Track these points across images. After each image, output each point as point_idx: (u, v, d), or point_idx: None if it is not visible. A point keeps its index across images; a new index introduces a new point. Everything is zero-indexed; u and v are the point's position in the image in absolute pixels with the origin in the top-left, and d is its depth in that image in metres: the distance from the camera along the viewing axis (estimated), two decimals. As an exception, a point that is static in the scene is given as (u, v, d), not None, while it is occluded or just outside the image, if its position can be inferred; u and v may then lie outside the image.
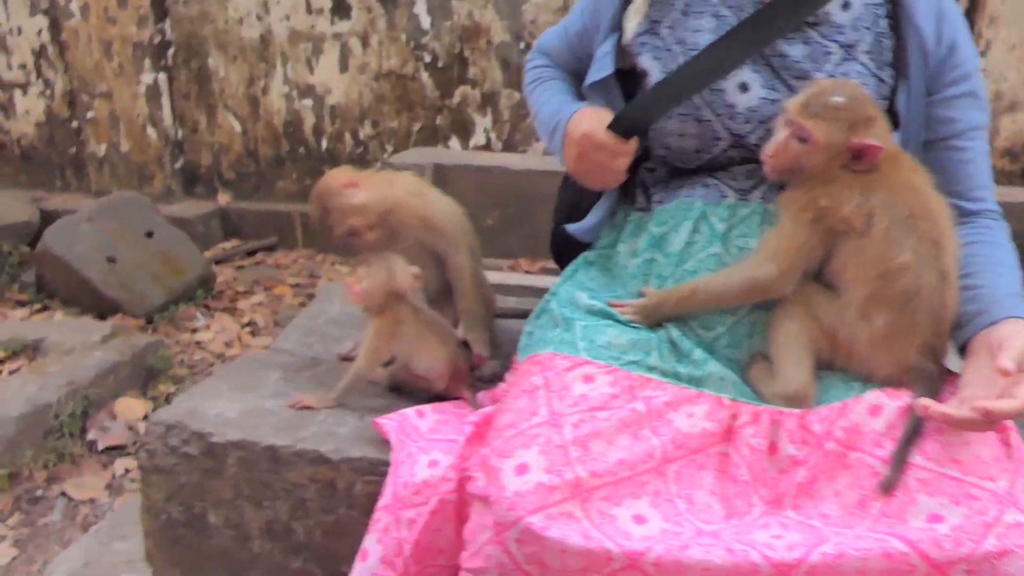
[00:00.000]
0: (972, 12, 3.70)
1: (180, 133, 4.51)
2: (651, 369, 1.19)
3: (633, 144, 1.33)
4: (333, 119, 4.34)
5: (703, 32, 1.34)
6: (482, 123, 4.18)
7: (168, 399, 3.00)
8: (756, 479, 1.13)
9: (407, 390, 1.53)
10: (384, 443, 1.29)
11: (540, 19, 3.97)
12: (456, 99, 4.17)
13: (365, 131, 4.32)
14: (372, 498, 1.24)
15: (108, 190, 4.43)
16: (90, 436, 2.73)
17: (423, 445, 1.26)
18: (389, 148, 4.31)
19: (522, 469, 1.07)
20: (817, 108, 1.21)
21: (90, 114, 4.43)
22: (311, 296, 3.98)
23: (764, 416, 1.17)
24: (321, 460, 1.30)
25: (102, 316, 3.55)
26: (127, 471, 2.66)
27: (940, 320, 1.21)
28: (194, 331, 3.59)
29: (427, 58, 4.14)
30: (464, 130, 4.21)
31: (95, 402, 2.80)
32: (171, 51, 4.37)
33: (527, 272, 2.93)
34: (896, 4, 1.33)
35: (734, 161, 1.37)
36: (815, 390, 1.20)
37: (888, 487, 1.08)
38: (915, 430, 1.10)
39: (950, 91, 1.34)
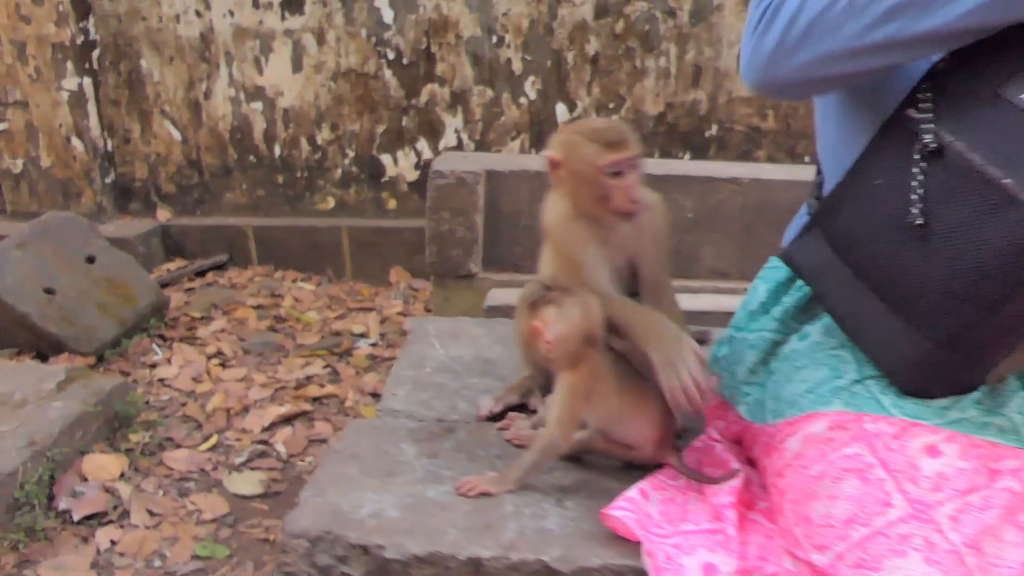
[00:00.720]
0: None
1: (110, 144, 3.93)
2: (983, 427, 0.91)
3: None
4: (286, 123, 3.87)
5: None
6: (452, 123, 3.82)
7: (144, 451, 2.53)
8: None
9: (589, 459, 1.20)
10: (619, 540, 0.96)
11: (513, 11, 3.65)
12: (423, 98, 3.80)
13: (323, 135, 3.88)
14: (616, 617, 0.90)
15: (28, 211, 3.82)
16: (61, 505, 2.23)
17: (679, 542, 0.94)
18: (351, 153, 3.89)
19: None
20: None
21: (2, 125, 3.79)
22: (277, 318, 3.53)
23: None
24: (548, 572, 0.95)
25: (43, 357, 3.01)
26: (113, 543, 2.18)
27: None
28: (152, 366, 3.09)
29: (390, 55, 3.75)
30: (433, 131, 3.84)
31: (60, 463, 2.30)
32: (96, 53, 3.80)
33: None
34: None
35: None
36: None
37: None
38: None
39: None
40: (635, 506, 1.03)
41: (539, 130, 3.80)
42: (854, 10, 0.91)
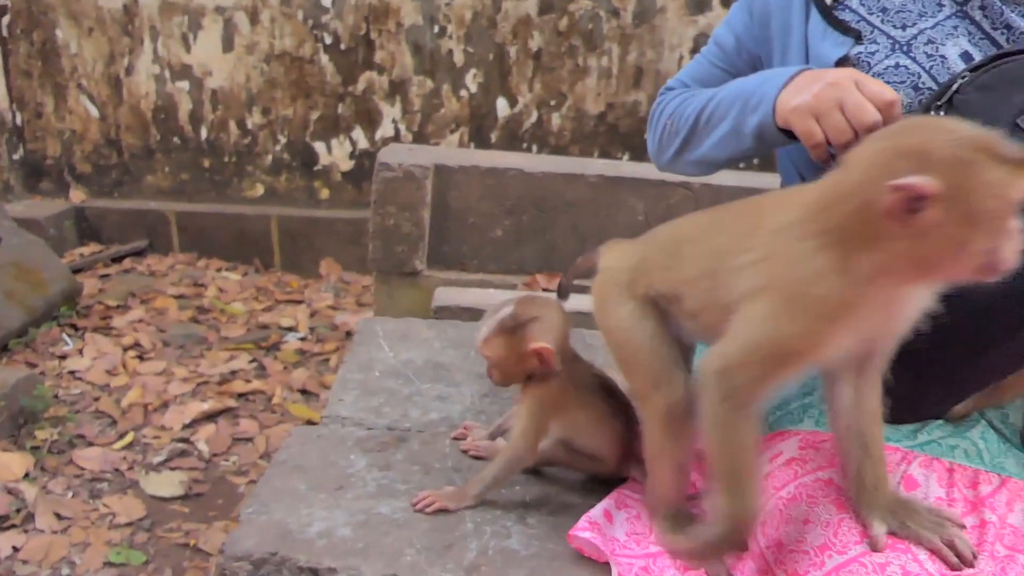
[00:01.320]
0: None
1: (20, 117, 3.67)
2: (951, 449, 0.96)
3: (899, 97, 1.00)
4: (214, 105, 3.69)
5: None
6: (390, 113, 3.71)
7: (52, 449, 2.35)
8: None
9: (551, 471, 1.15)
10: (586, 560, 0.91)
11: (456, 1, 3.57)
12: (361, 86, 3.67)
13: (254, 119, 3.71)
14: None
15: (-75, 186, 3.53)
16: (-42, 509, 2.05)
17: (647, 564, 0.90)
18: (282, 139, 3.74)
19: None
20: None
21: None
22: (200, 309, 3.36)
23: None
24: (517, 596, 0.89)
25: (-62, 345, 2.78)
26: (15, 549, 2.01)
27: None
28: (63, 358, 2.89)
29: (327, 39, 3.61)
30: (370, 120, 3.72)
31: (-43, 462, 2.12)
32: (6, 19, 3.53)
33: (545, 290, 2.54)
34: None
35: None
36: None
37: None
38: None
39: None
40: (599, 530, 0.99)
41: (479, 124, 3.73)
42: (664, 145, 1.27)
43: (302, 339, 3.14)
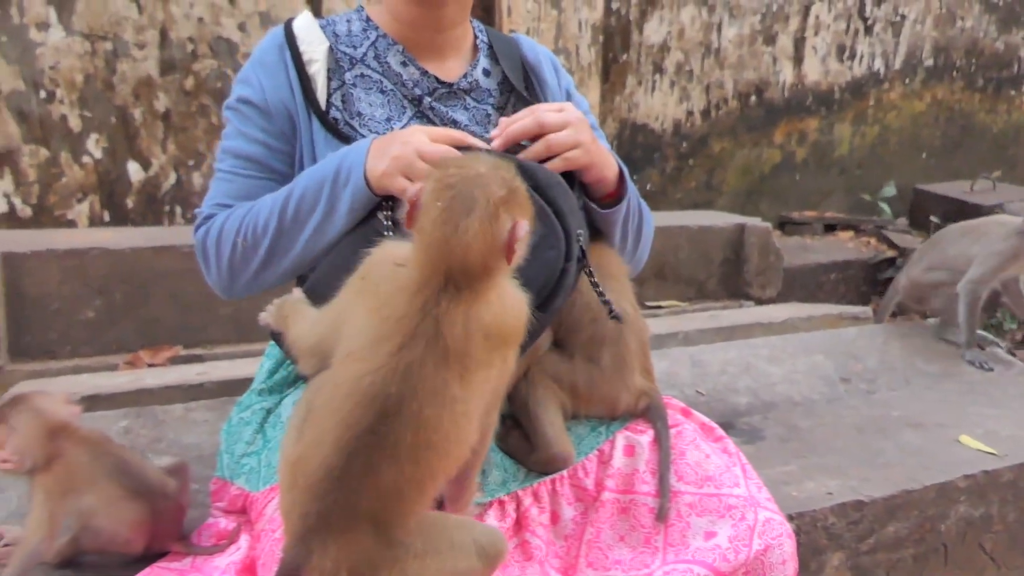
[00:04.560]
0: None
1: None
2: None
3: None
4: None
5: (376, 106, 1.28)
6: (1, 187, 3.30)
7: None
8: (549, 554, 1.10)
9: (91, 559, 1.11)
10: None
11: (63, 64, 3.28)
12: (-44, 160, 3.24)
13: None
14: None
15: None
16: None
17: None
18: None
19: None
20: None
21: None
22: None
23: (542, 490, 1.16)
24: None
25: None
26: None
27: (645, 343, 1.30)
28: None
29: (-96, 109, 3.14)
30: (-25, 197, 3.29)
31: None
32: None
33: (152, 365, 2.34)
34: (524, 64, 1.39)
35: None
36: (572, 445, 1.21)
37: (663, 515, 1.14)
38: (667, 458, 1.18)
39: None
40: None
41: (110, 190, 3.44)
42: (239, 268, 1.25)
43: None
